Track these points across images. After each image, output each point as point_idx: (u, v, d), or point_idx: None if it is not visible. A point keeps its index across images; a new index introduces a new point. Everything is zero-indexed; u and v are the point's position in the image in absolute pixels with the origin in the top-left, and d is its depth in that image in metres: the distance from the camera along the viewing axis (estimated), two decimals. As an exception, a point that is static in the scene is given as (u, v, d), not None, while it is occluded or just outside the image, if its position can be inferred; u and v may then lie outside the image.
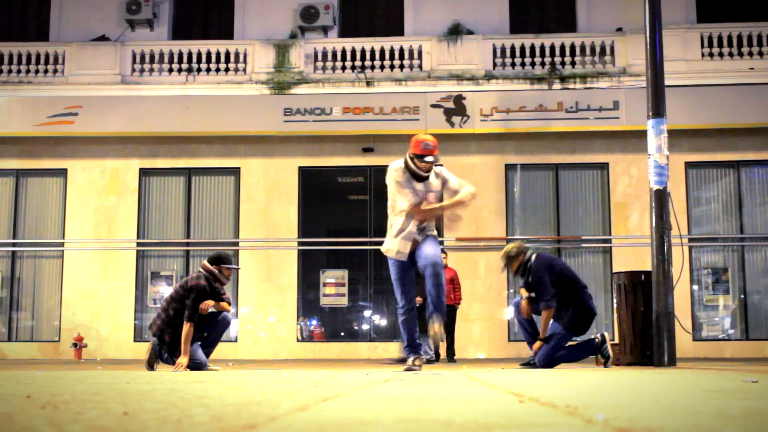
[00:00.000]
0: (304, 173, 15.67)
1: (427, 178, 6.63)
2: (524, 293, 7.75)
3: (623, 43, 15.82)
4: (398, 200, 6.51)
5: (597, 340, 7.69)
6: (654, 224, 8.04)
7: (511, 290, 15.33)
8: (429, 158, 6.53)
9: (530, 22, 16.79)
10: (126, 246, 15.58)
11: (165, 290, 15.11)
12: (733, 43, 15.74)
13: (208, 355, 7.68)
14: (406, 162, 6.57)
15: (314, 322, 15.81)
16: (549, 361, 7.48)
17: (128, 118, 15.50)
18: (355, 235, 15.84)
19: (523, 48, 15.99)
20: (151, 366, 7.42)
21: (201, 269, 7.59)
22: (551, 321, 7.65)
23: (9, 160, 15.91)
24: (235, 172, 15.79)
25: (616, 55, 15.86)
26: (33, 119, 15.54)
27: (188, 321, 7.26)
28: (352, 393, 3.15)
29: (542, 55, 15.92)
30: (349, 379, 4.55)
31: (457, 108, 15.20)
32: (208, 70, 16.21)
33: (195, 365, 7.29)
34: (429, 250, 6.36)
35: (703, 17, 16.35)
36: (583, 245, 15.43)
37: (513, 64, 15.95)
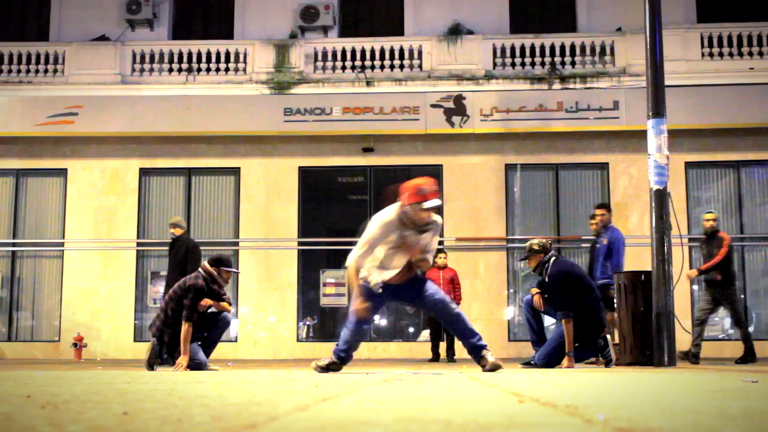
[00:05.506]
0: (304, 173, 15.67)
1: (424, 230, 5.79)
2: (534, 291, 7.75)
3: (623, 43, 15.82)
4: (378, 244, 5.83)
5: (600, 342, 7.67)
6: (654, 224, 8.04)
7: (511, 290, 15.33)
8: (433, 202, 5.63)
9: (530, 22, 16.79)
10: (126, 246, 15.58)
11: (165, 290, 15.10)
12: (733, 43, 15.74)
13: (208, 354, 7.68)
14: (400, 217, 5.74)
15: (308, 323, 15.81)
16: (549, 361, 7.47)
17: (128, 118, 15.49)
18: (355, 235, 15.76)
19: (523, 48, 15.99)
20: (151, 366, 7.42)
21: (200, 270, 7.60)
22: (556, 324, 7.64)
23: (9, 160, 15.91)
24: (235, 172, 15.79)
25: (616, 55, 15.86)
26: (33, 119, 15.54)
27: (186, 321, 7.26)
28: (352, 393, 3.15)
29: (542, 55, 15.92)
30: (349, 379, 4.55)
31: (457, 108, 15.19)
32: (208, 70, 16.22)
33: (195, 365, 7.29)
34: (437, 296, 6.01)
35: (703, 17, 16.35)
36: (583, 245, 15.41)
37: (513, 64, 15.95)
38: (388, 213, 5.81)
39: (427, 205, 5.61)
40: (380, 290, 5.87)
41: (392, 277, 5.88)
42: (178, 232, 10.23)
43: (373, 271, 5.86)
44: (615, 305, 8.93)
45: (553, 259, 7.62)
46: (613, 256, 9.17)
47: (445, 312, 6.06)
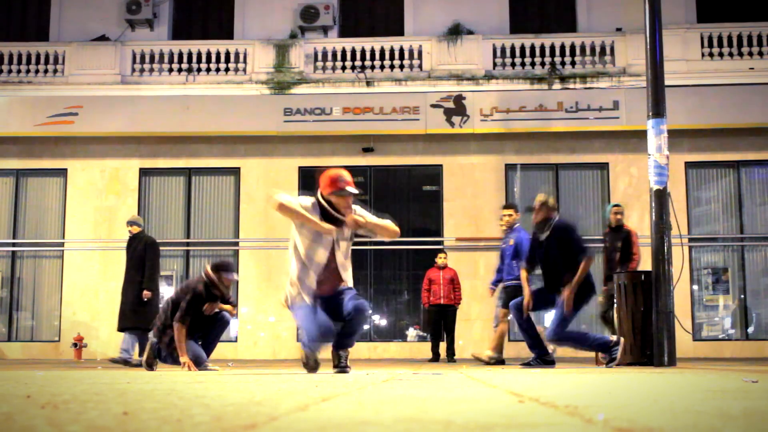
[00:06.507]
0: (304, 173, 15.67)
1: (342, 222, 5.69)
2: (525, 274, 7.74)
3: (623, 43, 15.83)
4: (298, 237, 5.79)
5: (612, 339, 7.66)
6: (654, 224, 8.03)
7: (511, 290, 15.32)
8: (351, 189, 5.65)
9: (530, 22, 16.79)
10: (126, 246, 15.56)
11: (165, 290, 15.09)
12: (733, 43, 15.74)
13: (208, 354, 7.68)
14: (320, 204, 5.73)
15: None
16: (560, 336, 7.44)
17: (128, 118, 15.50)
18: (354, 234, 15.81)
19: (523, 48, 15.99)
20: (150, 366, 7.42)
21: (203, 273, 7.60)
22: (558, 298, 7.57)
23: (9, 160, 15.91)
24: (235, 172, 15.79)
25: (616, 55, 15.86)
26: (33, 119, 15.55)
27: (177, 322, 7.26)
28: (352, 393, 3.14)
29: (542, 55, 15.93)
30: (349, 379, 4.55)
31: (457, 108, 15.19)
32: (208, 70, 16.22)
33: (193, 359, 7.29)
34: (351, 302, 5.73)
35: (703, 17, 16.35)
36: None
37: (513, 64, 15.95)
38: (306, 200, 5.79)
39: (349, 189, 5.66)
40: (309, 297, 5.72)
41: (320, 281, 5.75)
42: (136, 230, 10.06)
43: (299, 273, 5.76)
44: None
45: (557, 217, 7.67)
46: (521, 257, 9.20)
47: (354, 319, 5.77)
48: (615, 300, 8.73)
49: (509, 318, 9.29)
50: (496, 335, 9.65)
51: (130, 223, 10.13)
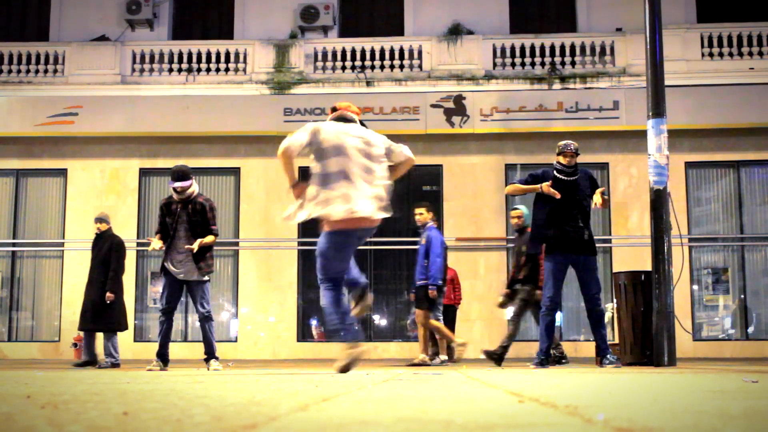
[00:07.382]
0: (305, 173, 15.63)
1: None
2: (556, 194, 7.81)
3: (623, 43, 15.82)
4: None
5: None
6: (654, 224, 8.03)
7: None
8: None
9: (530, 22, 16.79)
10: (126, 246, 15.55)
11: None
12: (733, 43, 15.74)
13: (211, 353, 7.76)
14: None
15: (314, 321, 15.79)
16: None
17: (128, 118, 15.50)
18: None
19: (523, 48, 15.99)
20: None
21: None
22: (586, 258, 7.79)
23: (9, 160, 15.91)
24: (235, 172, 15.79)
25: (616, 55, 15.86)
26: (33, 119, 15.55)
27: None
28: (352, 393, 3.15)
29: (542, 55, 15.93)
30: (349, 379, 4.55)
31: (457, 108, 15.19)
32: (208, 70, 16.22)
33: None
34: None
35: (703, 17, 16.35)
36: (583, 245, 15.41)
37: (513, 64, 15.95)
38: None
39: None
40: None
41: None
42: (104, 227, 9.83)
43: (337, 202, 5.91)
44: (437, 306, 9.26)
45: None
46: (428, 256, 9.18)
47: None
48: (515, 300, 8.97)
49: (434, 316, 9.38)
50: (421, 339, 9.67)
51: (98, 220, 9.86)
